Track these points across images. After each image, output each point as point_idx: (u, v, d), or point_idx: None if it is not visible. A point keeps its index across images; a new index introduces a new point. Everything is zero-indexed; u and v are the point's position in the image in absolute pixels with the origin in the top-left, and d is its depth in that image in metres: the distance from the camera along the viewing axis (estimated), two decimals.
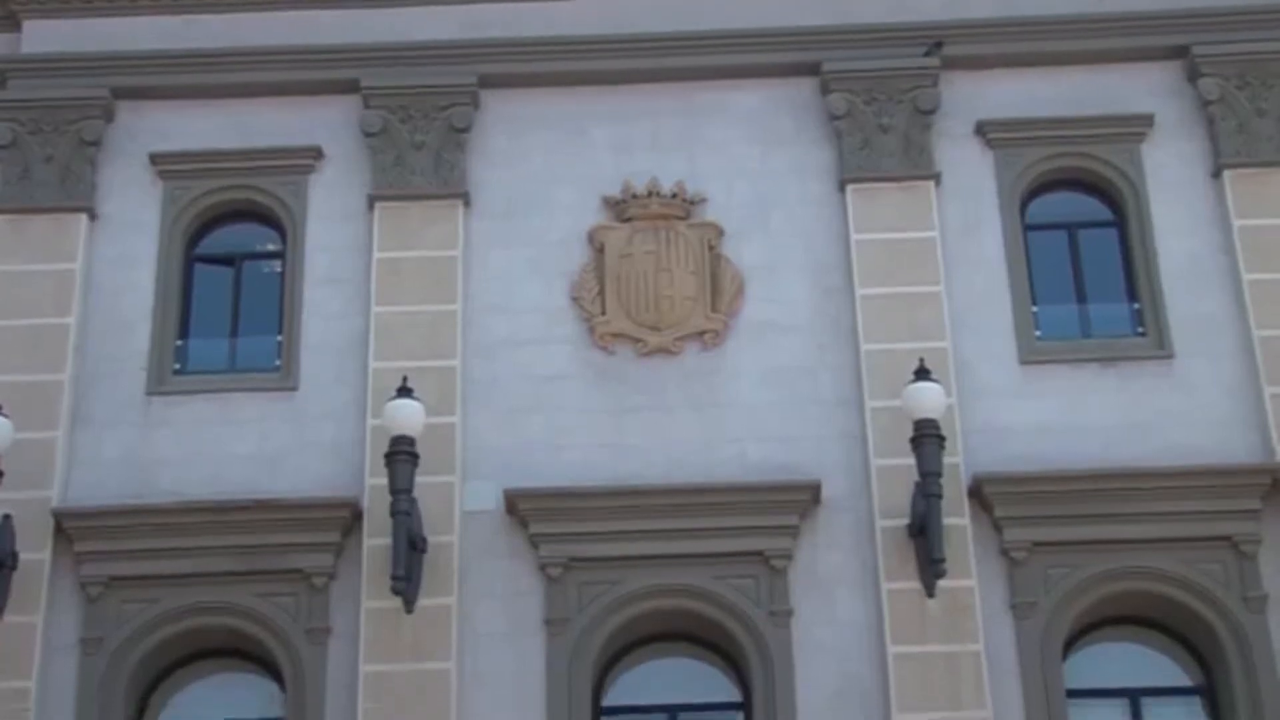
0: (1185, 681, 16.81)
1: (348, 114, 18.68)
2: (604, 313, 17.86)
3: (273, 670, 16.81)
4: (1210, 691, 16.65)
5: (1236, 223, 17.82)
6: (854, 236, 17.97)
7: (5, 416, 16.65)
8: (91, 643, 16.59)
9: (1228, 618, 16.44)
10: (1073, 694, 16.41)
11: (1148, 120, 18.41)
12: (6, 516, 16.58)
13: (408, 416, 16.59)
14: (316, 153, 18.55)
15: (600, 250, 18.12)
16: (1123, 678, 16.73)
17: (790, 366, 17.58)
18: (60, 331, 17.72)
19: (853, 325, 17.63)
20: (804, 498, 16.94)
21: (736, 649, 16.75)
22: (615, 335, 17.80)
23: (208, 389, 17.71)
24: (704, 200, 18.31)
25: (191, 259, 18.51)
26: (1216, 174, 18.16)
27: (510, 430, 17.39)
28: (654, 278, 17.96)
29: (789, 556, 16.81)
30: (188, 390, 17.73)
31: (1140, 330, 17.82)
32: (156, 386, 17.73)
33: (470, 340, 17.76)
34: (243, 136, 18.61)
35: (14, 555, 16.49)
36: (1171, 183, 18.20)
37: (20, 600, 16.44)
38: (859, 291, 17.71)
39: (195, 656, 17.02)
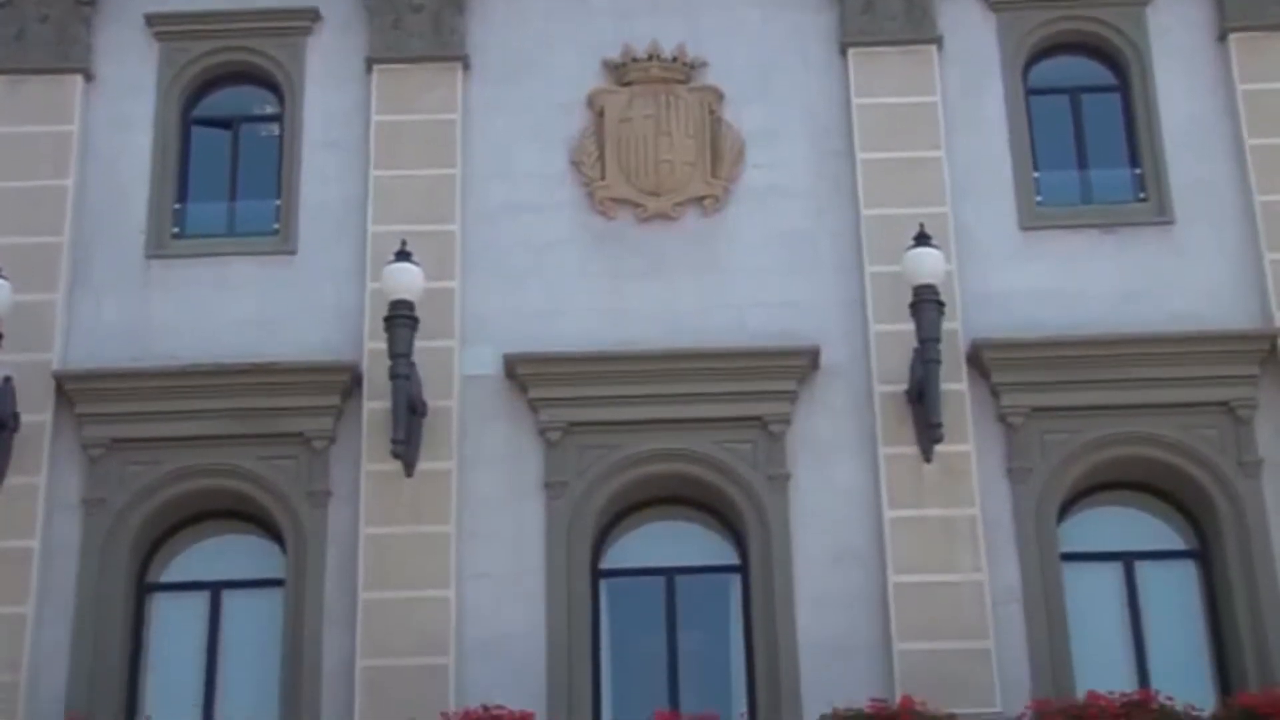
0: (1179, 545, 16.94)
1: None
2: (603, 178, 17.80)
3: (273, 532, 16.95)
4: (1204, 555, 16.79)
5: (1240, 87, 17.71)
6: (855, 101, 17.86)
7: (4, 279, 16.67)
8: (93, 503, 16.72)
9: (1223, 482, 16.55)
10: (1067, 558, 16.55)
11: None
12: (7, 378, 16.65)
13: (407, 280, 16.59)
14: (313, 14, 18.39)
15: (600, 114, 18.02)
16: (1117, 542, 16.86)
17: (790, 232, 17.55)
18: (58, 194, 17.68)
19: (853, 190, 17.57)
20: (803, 363, 16.98)
21: (734, 513, 16.87)
22: (615, 200, 17.75)
23: (206, 252, 17.70)
24: (704, 64, 18.18)
25: (189, 122, 18.42)
26: (1221, 38, 18.02)
27: (509, 295, 17.39)
28: (654, 142, 17.88)
29: (787, 421, 16.88)
30: (186, 254, 17.73)
31: (1141, 196, 17.76)
32: (155, 250, 17.73)
33: (469, 205, 17.70)
34: None
35: (15, 417, 16.59)
36: (1175, 47, 18.06)
37: (22, 461, 16.56)
38: (859, 156, 17.63)
39: (197, 518, 17.16)
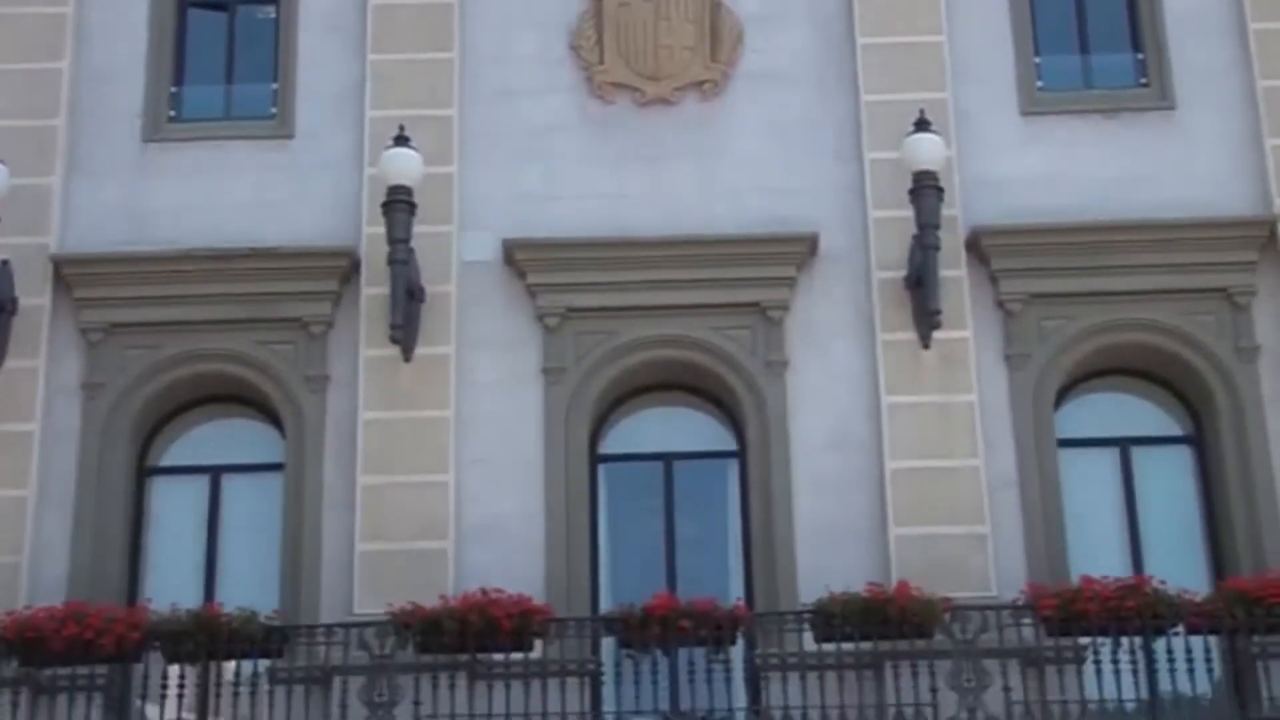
0: (1175, 431, 17.02)
1: None
2: (602, 62, 17.68)
3: (272, 416, 17.00)
4: (1199, 441, 16.86)
5: None
6: None
7: (0, 162, 16.59)
8: (93, 387, 16.77)
9: (1220, 368, 16.58)
10: (1064, 443, 16.60)
11: None
12: (4, 262, 16.64)
13: (405, 165, 16.51)
14: None
15: None
16: (1113, 427, 16.92)
17: (789, 117, 17.46)
18: (53, 76, 17.55)
19: (853, 75, 17.45)
20: (801, 249, 16.95)
21: (733, 399, 16.91)
22: (614, 85, 17.64)
23: (203, 136, 17.63)
24: None
25: (185, 4, 18.25)
26: None
27: (508, 180, 17.32)
28: (653, 26, 17.74)
29: (786, 308, 16.88)
30: (183, 138, 17.66)
31: (1143, 81, 17.66)
32: (152, 134, 17.65)
33: (468, 89, 17.59)
34: None
35: (13, 300, 16.60)
36: None
37: (21, 345, 16.60)
38: (860, 41, 17.50)
39: (196, 402, 17.21)
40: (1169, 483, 16.78)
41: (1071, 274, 16.72)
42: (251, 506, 16.87)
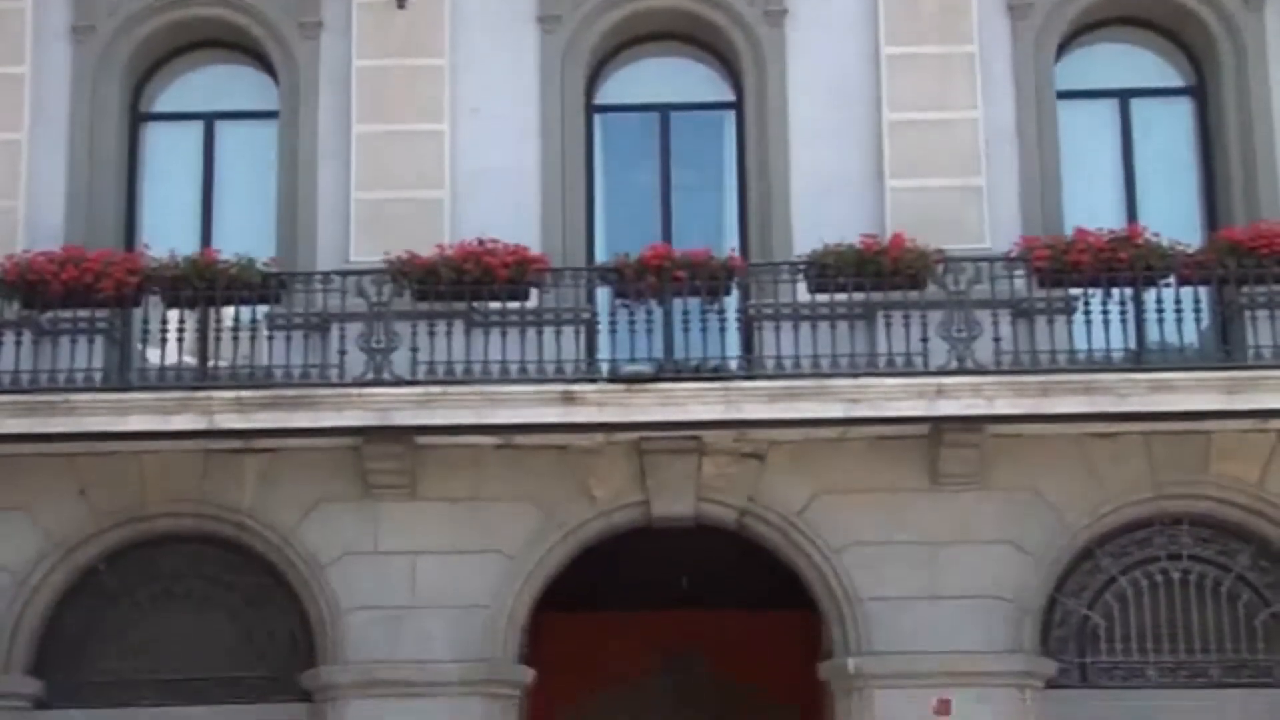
0: (1176, 82, 16.85)
1: None
2: None
3: (266, 63, 16.82)
4: (1200, 91, 16.71)
5: None
6: None
7: None
8: (83, 30, 16.54)
9: (1224, 17, 16.29)
10: (1063, 95, 16.44)
11: None
12: None
13: None
14: None
15: None
16: (1114, 79, 16.75)
17: None
18: None
19: None
20: None
21: (730, 49, 16.70)
22: None
23: None
24: None
25: None
26: None
27: None
28: None
29: None
30: None
31: None
32: None
33: None
34: None
35: None
36: None
37: None
38: None
39: (188, 48, 17.00)
40: (1168, 134, 16.65)
41: None
42: (246, 154, 16.77)
